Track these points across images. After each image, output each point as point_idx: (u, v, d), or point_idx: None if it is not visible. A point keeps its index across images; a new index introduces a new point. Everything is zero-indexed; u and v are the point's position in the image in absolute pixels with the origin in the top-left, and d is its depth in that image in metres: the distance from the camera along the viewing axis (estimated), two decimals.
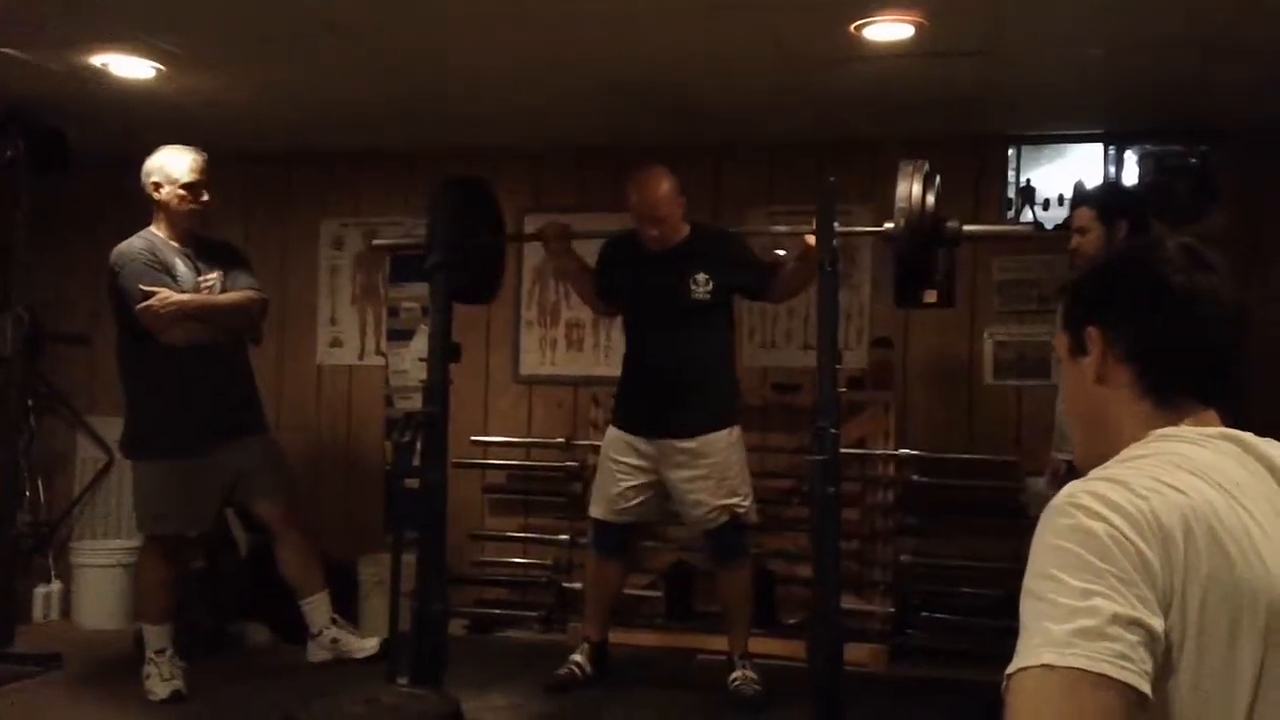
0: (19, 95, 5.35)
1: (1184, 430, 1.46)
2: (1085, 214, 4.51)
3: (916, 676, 5.26)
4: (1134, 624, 1.25)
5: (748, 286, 4.94)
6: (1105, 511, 1.31)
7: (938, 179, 4.05)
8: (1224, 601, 1.29)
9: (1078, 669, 1.23)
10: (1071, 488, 1.37)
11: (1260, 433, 1.49)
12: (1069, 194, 5.85)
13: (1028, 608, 1.32)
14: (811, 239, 4.42)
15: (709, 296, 4.76)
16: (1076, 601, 1.27)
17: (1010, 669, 1.28)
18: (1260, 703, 1.30)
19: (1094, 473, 1.40)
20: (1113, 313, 1.53)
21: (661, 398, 4.80)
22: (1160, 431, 1.46)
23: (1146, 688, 1.24)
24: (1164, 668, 1.29)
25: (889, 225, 4.09)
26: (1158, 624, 1.27)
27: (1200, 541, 1.30)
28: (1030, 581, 1.33)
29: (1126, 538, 1.29)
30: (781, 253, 5.74)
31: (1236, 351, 1.52)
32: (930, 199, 3.98)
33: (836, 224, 4.12)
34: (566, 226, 4.98)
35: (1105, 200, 4.64)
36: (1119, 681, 1.22)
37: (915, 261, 4.10)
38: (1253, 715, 1.30)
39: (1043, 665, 1.24)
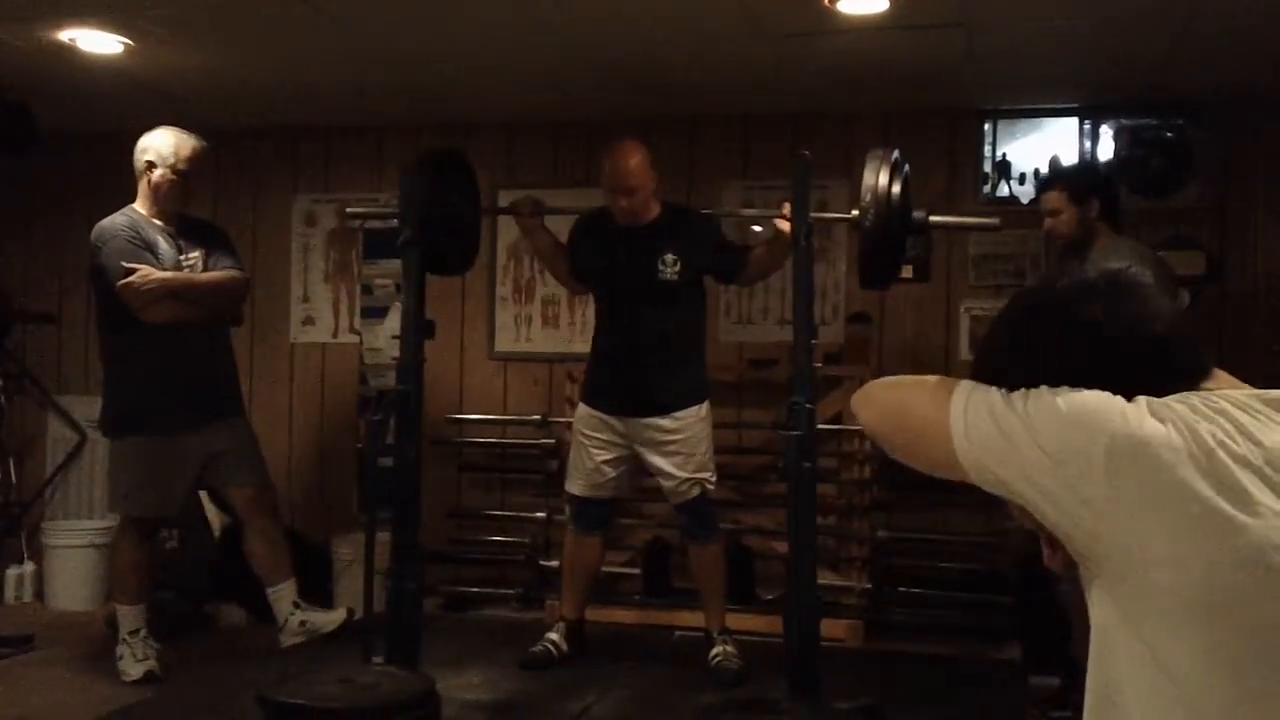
0: None
1: (1230, 393, 1.41)
2: (1056, 196, 4.51)
3: (893, 651, 5.27)
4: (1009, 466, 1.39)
5: (717, 269, 4.92)
6: (1173, 431, 1.31)
7: (906, 167, 4.04)
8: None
9: (948, 426, 1.45)
10: (1186, 397, 1.36)
11: None
12: (1045, 168, 5.85)
13: (1034, 394, 1.40)
14: (784, 223, 4.39)
15: (677, 277, 4.73)
16: (1015, 411, 1.38)
17: (962, 394, 1.46)
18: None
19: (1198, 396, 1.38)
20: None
21: (632, 376, 4.78)
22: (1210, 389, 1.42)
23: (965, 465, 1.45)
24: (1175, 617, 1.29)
25: (855, 213, 4.08)
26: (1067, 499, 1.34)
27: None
28: (1063, 390, 1.38)
29: (1145, 439, 1.30)
30: (758, 229, 5.74)
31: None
32: (897, 188, 3.96)
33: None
34: (540, 201, 4.95)
35: (1075, 181, 4.66)
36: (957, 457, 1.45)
37: (882, 248, 4.09)
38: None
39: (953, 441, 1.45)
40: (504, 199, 5.92)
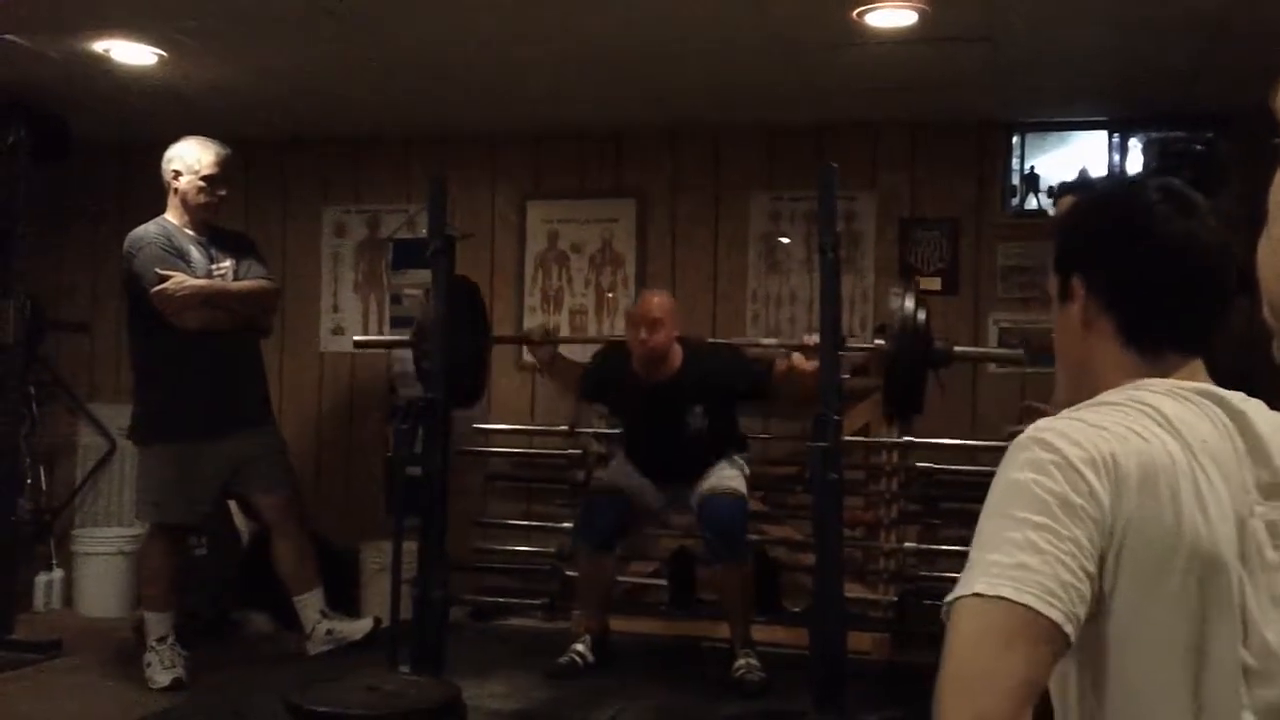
0: (20, 82, 5.33)
1: (1159, 382, 1.44)
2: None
3: (920, 664, 5.24)
4: (1069, 564, 1.27)
5: (744, 395, 5.04)
6: (1062, 445, 1.32)
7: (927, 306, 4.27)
8: (1166, 553, 1.30)
9: (1004, 598, 1.25)
10: (1037, 423, 1.37)
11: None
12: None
13: (976, 540, 1.33)
14: (797, 358, 4.54)
15: (705, 426, 4.89)
16: (1018, 535, 1.28)
17: (949, 597, 1.31)
18: (1206, 668, 1.31)
19: (1063, 413, 1.40)
20: (1093, 263, 1.50)
21: (669, 482, 5.03)
22: (1137, 382, 1.44)
23: (1070, 629, 1.25)
24: (1098, 608, 1.30)
25: (880, 342, 4.23)
26: (1093, 566, 1.28)
27: (1151, 489, 1.30)
28: (983, 515, 1.35)
29: (1078, 471, 1.30)
30: (785, 240, 5.77)
31: (1222, 297, 1.49)
32: (922, 316, 4.14)
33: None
34: (553, 330, 5.15)
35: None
36: (1045, 617, 1.24)
37: (906, 380, 4.24)
38: (1200, 680, 1.31)
39: (974, 594, 1.27)
40: (531, 209, 5.98)
